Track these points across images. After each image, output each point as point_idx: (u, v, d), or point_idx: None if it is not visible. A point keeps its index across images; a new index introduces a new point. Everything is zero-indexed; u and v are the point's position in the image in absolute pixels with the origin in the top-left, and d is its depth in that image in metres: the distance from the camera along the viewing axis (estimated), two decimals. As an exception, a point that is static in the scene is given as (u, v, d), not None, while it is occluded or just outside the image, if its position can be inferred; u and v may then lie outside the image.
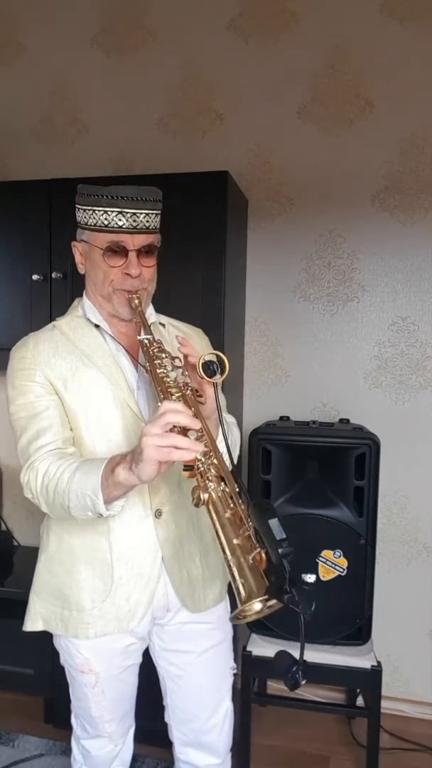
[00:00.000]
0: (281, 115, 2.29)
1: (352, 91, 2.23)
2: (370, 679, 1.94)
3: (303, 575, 1.94)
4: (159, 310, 1.46)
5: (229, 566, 0.94)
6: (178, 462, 1.05)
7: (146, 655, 1.48)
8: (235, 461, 1.40)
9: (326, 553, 1.94)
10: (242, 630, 2.20)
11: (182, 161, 2.35)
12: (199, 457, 1.02)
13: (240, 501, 1.01)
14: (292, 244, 2.33)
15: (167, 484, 1.34)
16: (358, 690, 2.30)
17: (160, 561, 1.33)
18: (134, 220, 1.26)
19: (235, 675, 1.56)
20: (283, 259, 2.34)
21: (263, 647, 2.01)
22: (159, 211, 1.31)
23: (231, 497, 1.01)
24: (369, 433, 2.04)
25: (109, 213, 1.25)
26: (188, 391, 1.15)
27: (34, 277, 2.11)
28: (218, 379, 1.12)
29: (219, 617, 1.46)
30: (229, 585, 1.52)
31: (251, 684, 2.06)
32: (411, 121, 2.19)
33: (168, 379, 1.15)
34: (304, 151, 2.28)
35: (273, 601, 0.91)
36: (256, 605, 0.90)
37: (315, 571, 1.94)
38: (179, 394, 1.13)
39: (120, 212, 1.25)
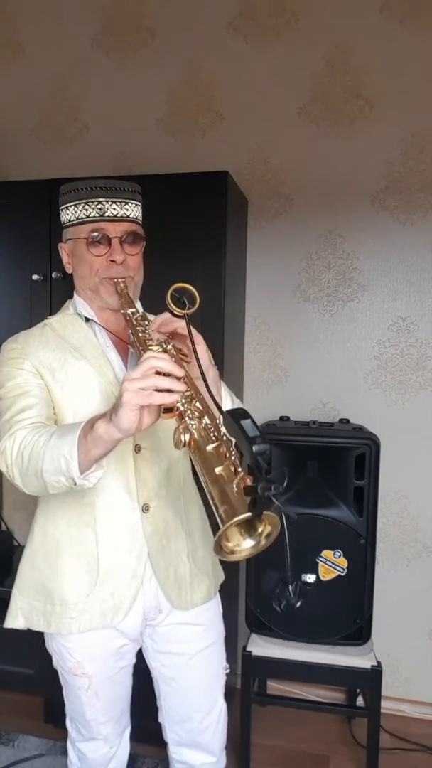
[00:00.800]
0: (281, 115, 2.29)
1: (352, 91, 2.23)
2: (370, 679, 1.94)
3: (303, 575, 1.94)
4: (159, 309, 1.46)
5: (211, 497, 0.89)
6: (163, 445, 1.00)
7: (142, 654, 1.48)
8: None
9: (326, 553, 1.94)
10: (242, 630, 2.20)
11: (182, 161, 2.35)
12: (179, 399, 0.99)
13: (224, 433, 0.96)
14: (292, 244, 2.33)
15: (155, 477, 1.33)
16: (358, 690, 2.30)
17: (146, 556, 1.33)
18: (114, 209, 1.29)
19: (228, 674, 1.56)
20: (283, 259, 2.34)
21: (263, 647, 2.01)
22: (139, 203, 1.34)
23: (214, 432, 0.96)
24: (369, 433, 2.04)
25: (89, 204, 1.29)
26: (170, 347, 1.11)
27: (34, 277, 2.11)
28: (189, 311, 1.09)
29: (211, 618, 1.46)
30: (222, 584, 1.52)
31: (251, 684, 2.06)
32: (411, 121, 2.19)
33: (151, 342, 1.13)
34: (304, 151, 2.28)
35: (262, 529, 0.85)
36: (247, 541, 0.85)
37: (315, 571, 1.94)
38: (161, 349, 1.10)
39: (99, 202, 1.28)
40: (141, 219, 1.35)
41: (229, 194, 1.97)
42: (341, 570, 1.94)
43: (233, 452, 0.93)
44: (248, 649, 2.02)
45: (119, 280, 1.30)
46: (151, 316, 1.45)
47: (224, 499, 0.87)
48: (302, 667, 1.97)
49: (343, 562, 1.94)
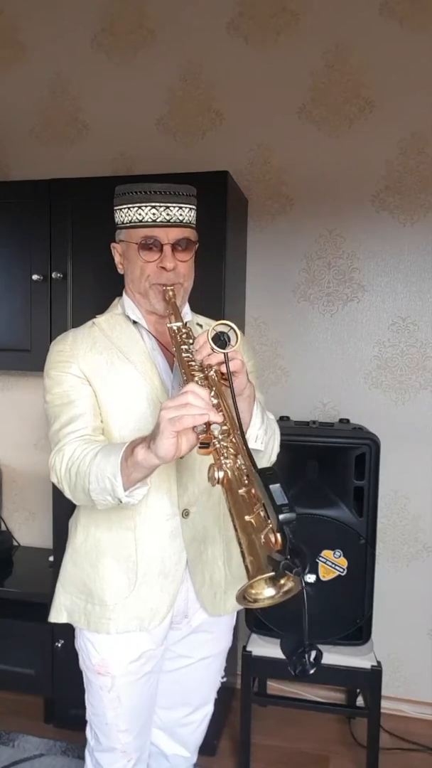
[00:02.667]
0: (281, 115, 2.29)
1: (352, 91, 2.23)
2: (370, 679, 1.94)
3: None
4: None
5: (240, 544, 0.91)
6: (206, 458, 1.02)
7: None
8: (273, 457, 1.38)
9: (326, 553, 1.94)
10: (242, 630, 2.20)
11: (182, 161, 2.35)
12: (217, 435, 1.00)
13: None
14: (292, 244, 2.33)
15: (196, 483, 1.33)
16: (358, 690, 2.30)
17: (184, 562, 1.33)
18: (168, 214, 1.27)
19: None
20: (283, 259, 2.34)
21: (263, 647, 2.01)
22: (193, 206, 1.33)
23: (247, 475, 0.98)
24: (369, 433, 2.04)
25: (143, 208, 1.27)
26: (212, 373, 1.12)
27: (34, 277, 2.11)
28: (229, 350, 1.09)
29: (222, 629, 1.47)
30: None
31: (251, 684, 2.06)
32: (411, 121, 2.19)
33: (193, 364, 1.14)
34: (304, 151, 2.28)
35: (288, 587, 0.87)
36: (268, 590, 0.87)
37: (315, 571, 1.94)
38: (202, 375, 1.11)
39: (153, 207, 1.27)
40: (195, 222, 1.35)
41: (229, 194, 1.97)
42: (341, 570, 1.94)
43: (264, 500, 0.95)
44: (248, 649, 2.02)
45: (168, 288, 1.30)
46: (200, 319, 1.45)
47: (252, 551, 0.89)
48: (302, 667, 1.97)
49: (343, 562, 1.94)
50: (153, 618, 1.32)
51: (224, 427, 1.02)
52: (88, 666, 1.40)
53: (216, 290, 1.96)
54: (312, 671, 0.91)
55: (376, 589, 2.04)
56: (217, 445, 1.00)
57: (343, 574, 1.94)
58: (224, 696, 2.20)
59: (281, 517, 0.87)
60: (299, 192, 2.31)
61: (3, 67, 2.55)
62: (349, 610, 1.95)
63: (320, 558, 1.94)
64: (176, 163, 2.32)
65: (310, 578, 1.93)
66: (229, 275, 2.01)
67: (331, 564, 1.94)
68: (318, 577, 1.94)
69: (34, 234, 2.12)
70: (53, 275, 2.09)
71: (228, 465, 0.98)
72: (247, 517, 0.92)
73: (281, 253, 2.34)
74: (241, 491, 0.95)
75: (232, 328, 1.10)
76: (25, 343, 2.16)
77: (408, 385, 2.28)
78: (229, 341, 1.09)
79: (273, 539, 0.89)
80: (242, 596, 0.90)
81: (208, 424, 1.01)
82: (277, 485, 0.91)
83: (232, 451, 0.99)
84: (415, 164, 2.20)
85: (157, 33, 2.38)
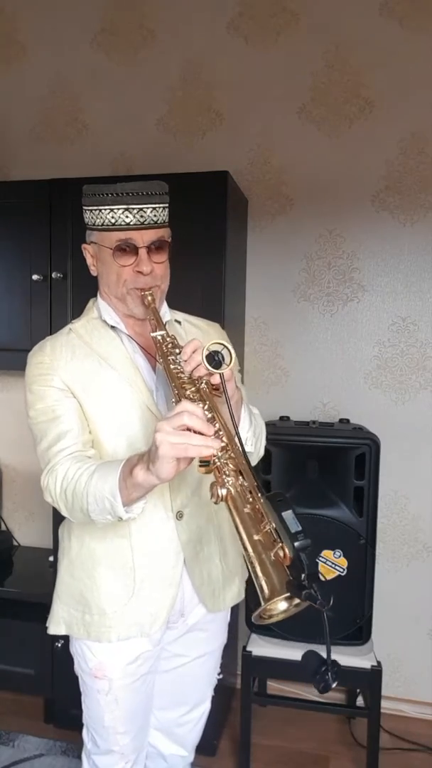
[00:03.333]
0: (281, 115, 2.29)
1: (352, 91, 2.23)
2: (370, 679, 1.94)
3: (302, 575, 1.94)
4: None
5: (251, 563, 0.91)
6: (196, 461, 1.03)
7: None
8: (261, 452, 1.39)
9: (326, 553, 1.94)
10: (242, 630, 2.20)
11: (182, 161, 2.35)
12: (216, 453, 1.00)
13: (259, 494, 0.98)
14: (292, 244, 2.33)
15: (188, 485, 1.33)
16: (358, 690, 2.30)
17: (182, 563, 1.33)
18: (141, 216, 1.23)
19: (228, 674, 1.57)
20: (283, 259, 2.34)
21: (263, 647, 2.01)
22: (166, 204, 1.29)
23: (250, 491, 0.97)
24: (369, 433, 2.04)
25: (116, 211, 1.23)
26: (203, 385, 1.11)
27: (34, 277, 2.11)
28: (224, 369, 1.08)
29: (218, 627, 1.47)
30: (247, 581, 1.53)
31: (251, 684, 2.06)
32: (411, 121, 2.19)
33: (182, 375, 1.13)
34: (304, 151, 2.28)
35: (298, 600, 0.88)
36: (281, 605, 0.88)
37: (315, 571, 1.94)
38: (194, 388, 1.10)
39: (126, 209, 1.22)
40: (168, 220, 1.31)
41: (229, 194, 1.97)
42: (341, 570, 1.94)
43: (270, 519, 0.95)
44: (248, 649, 2.02)
45: (146, 293, 1.27)
46: (179, 315, 1.44)
47: (265, 571, 0.90)
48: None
49: (343, 562, 1.94)
50: (153, 623, 1.31)
51: (221, 445, 1.01)
52: (85, 670, 1.39)
53: (216, 290, 1.96)
54: (334, 684, 0.93)
55: (376, 589, 2.04)
56: (218, 463, 0.99)
57: (343, 574, 1.94)
58: (224, 696, 2.20)
59: (297, 544, 0.90)
60: (299, 192, 2.31)
61: (3, 67, 2.55)
62: (349, 610, 1.96)
63: (320, 558, 1.94)
64: (176, 163, 2.32)
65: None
66: (229, 275, 2.01)
67: (331, 564, 1.94)
68: (318, 578, 1.94)
69: (34, 234, 2.12)
70: (53, 275, 2.09)
71: (230, 482, 0.97)
72: (255, 537, 0.93)
73: (281, 253, 2.34)
74: (246, 509, 0.95)
75: (225, 346, 1.09)
76: (25, 343, 2.13)
77: (408, 385, 2.28)
78: (224, 360, 1.08)
79: (282, 555, 0.90)
80: (259, 617, 0.90)
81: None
82: (290, 512, 0.94)
83: (232, 467, 0.99)
84: (415, 164, 2.20)
85: (157, 33, 2.38)
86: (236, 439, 1.05)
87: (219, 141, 2.36)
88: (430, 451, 2.28)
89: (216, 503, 0.97)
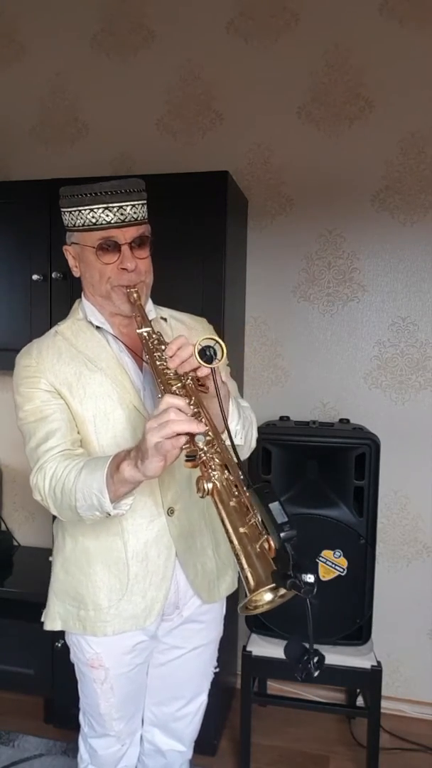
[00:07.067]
0: (281, 115, 2.29)
1: (351, 91, 2.23)
2: (370, 679, 1.94)
3: (303, 575, 1.94)
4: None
5: (237, 555, 0.92)
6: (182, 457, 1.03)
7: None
8: (253, 444, 1.40)
9: (326, 553, 1.94)
10: (242, 630, 2.20)
11: (182, 161, 2.35)
12: (201, 446, 1.00)
13: (245, 488, 0.99)
14: (292, 244, 2.33)
15: (177, 482, 1.34)
16: (358, 690, 2.30)
17: (174, 557, 1.34)
18: (121, 214, 1.24)
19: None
20: (283, 259, 2.34)
21: (263, 647, 2.01)
22: (144, 201, 1.30)
23: (236, 485, 0.99)
24: (369, 433, 2.04)
25: (95, 210, 1.24)
26: (188, 381, 1.12)
27: (34, 277, 2.11)
28: (215, 364, 1.09)
29: (212, 618, 1.48)
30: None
31: (251, 684, 2.06)
32: (411, 121, 2.19)
33: (168, 371, 1.14)
34: (304, 151, 2.28)
35: (283, 591, 0.89)
36: (267, 595, 0.89)
37: (315, 571, 1.94)
38: (179, 384, 1.11)
39: (106, 207, 1.24)
40: (147, 216, 1.32)
41: (229, 194, 1.97)
42: (341, 570, 1.94)
43: (256, 511, 0.96)
44: (248, 649, 2.02)
45: (131, 290, 1.28)
46: (164, 312, 1.44)
47: (250, 562, 0.91)
48: (302, 667, 1.97)
49: (343, 562, 1.94)
50: (148, 616, 1.33)
51: (207, 438, 1.02)
52: (81, 659, 1.41)
53: (216, 290, 1.96)
54: (316, 674, 0.94)
55: (376, 589, 2.04)
56: (204, 457, 1.00)
57: (343, 574, 1.94)
58: (224, 696, 2.20)
59: (283, 534, 0.91)
60: (299, 192, 2.31)
61: (3, 67, 2.55)
62: (349, 610, 1.95)
63: (320, 558, 1.94)
64: (176, 163, 2.32)
65: (310, 578, 1.93)
66: (229, 275, 2.01)
67: (331, 564, 1.94)
68: (318, 577, 1.94)
69: (34, 234, 2.12)
70: (53, 275, 2.09)
71: (216, 476, 0.98)
72: (241, 529, 0.94)
73: (281, 253, 2.34)
74: (232, 503, 0.96)
75: (217, 341, 1.10)
76: (25, 343, 2.12)
77: (408, 385, 2.28)
78: (215, 355, 1.09)
79: (267, 546, 0.91)
80: (244, 607, 0.92)
81: (191, 436, 1.01)
82: (276, 503, 0.94)
83: (218, 461, 1.00)
84: (415, 164, 2.20)
85: (156, 33, 2.38)
86: (223, 435, 1.06)
87: (219, 141, 2.36)
88: (430, 451, 2.28)
89: (202, 497, 0.98)
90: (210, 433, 1.03)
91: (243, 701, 2.03)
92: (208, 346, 1.10)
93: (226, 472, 1.00)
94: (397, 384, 2.29)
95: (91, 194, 1.24)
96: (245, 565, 0.91)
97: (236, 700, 2.24)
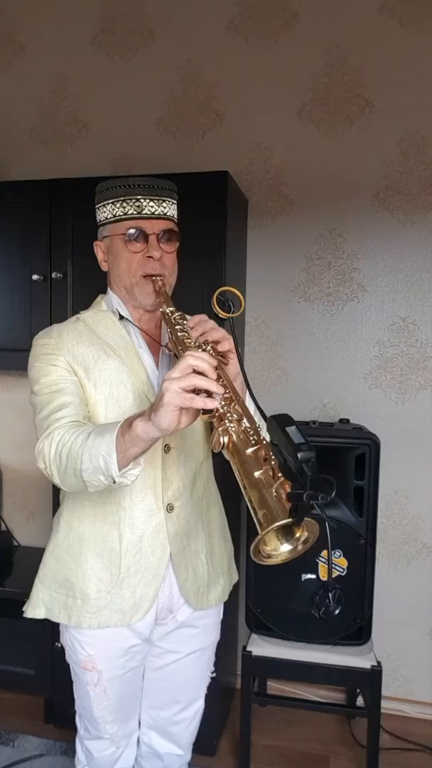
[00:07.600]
0: (281, 115, 2.29)
1: (352, 91, 2.23)
2: (370, 679, 1.94)
3: (302, 575, 1.94)
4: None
5: (249, 500, 0.89)
6: (190, 447, 1.00)
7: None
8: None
9: (326, 553, 1.94)
10: (242, 630, 2.20)
11: (182, 161, 2.35)
12: (219, 404, 1.00)
13: (263, 437, 0.97)
14: (292, 244, 2.33)
15: (181, 478, 1.34)
16: (358, 690, 2.30)
17: (168, 558, 1.34)
18: (151, 206, 1.30)
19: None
20: (283, 259, 2.34)
21: (263, 647, 2.01)
22: (175, 201, 1.35)
23: (254, 434, 0.97)
24: (369, 433, 2.04)
25: (128, 201, 1.30)
26: (209, 348, 1.13)
27: (34, 277, 2.11)
28: (235, 313, 1.10)
29: (209, 623, 1.47)
30: (234, 585, 1.53)
31: (251, 684, 2.06)
32: (411, 121, 2.19)
33: (189, 341, 1.15)
34: (304, 151, 2.28)
35: (300, 534, 0.85)
36: (284, 546, 0.86)
37: (315, 571, 1.94)
38: (201, 350, 1.11)
39: (137, 200, 1.29)
40: (177, 218, 1.36)
41: (229, 194, 1.97)
42: (341, 570, 1.94)
43: (272, 456, 0.94)
44: (248, 649, 2.02)
45: (157, 278, 1.31)
46: (188, 316, 1.46)
47: (263, 504, 0.87)
48: (302, 667, 1.97)
49: (343, 562, 1.94)
50: (135, 612, 1.32)
51: (226, 395, 1.01)
52: (75, 661, 1.41)
53: (216, 290, 1.95)
54: (336, 611, 0.91)
55: (376, 589, 2.03)
56: (221, 411, 0.99)
57: (343, 574, 1.94)
58: (224, 696, 2.20)
59: (300, 455, 0.87)
60: (299, 192, 2.31)
61: (3, 67, 2.55)
62: (349, 610, 1.95)
63: (320, 558, 1.94)
64: (176, 163, 2.32)
65: (310, 576, 1.93)
66: (229, 275, 2.01)
67: (331, 564, 1.94)
68: (318, 577, 1.94)
69: (34, 234, 2.12)
70: (53, 275, 2.09)
71: (233, 428, 0.97)
72: (256, 474, 0.91)
73: (281, 253, 2.34)
74: (249, 451, 0.94)
75: (235, 293, 1.12)
76: (25, 343, 2.12)
77: (408, 385, 2.28)
78: (234, 306, 1.10)
79: (284, 494, 0.87)
80: (256, 551, 0.88)
81: (209, 394, 1.00)
82: (293, 427, 0.91)
83: (236, 416, 0.99)
84: (415, 164, 2.20)
85: (156, 33, 2.38)
86: (240, 385, 1.06)
87: (219, 141, 2.36)
88: (430, 451, 2.28)
89: (216, 450, 0.97)
90: (229, 393, 1.03)
91: (243, 701, 2.03)
92: (227, 299, 1.11)
93: (244, 423, 0.99)
94: (397, 384, 2.29)
95: (124, 186, 1.30)
96: (257, 508, 0.87)
97: (236, 700, 2.24)
